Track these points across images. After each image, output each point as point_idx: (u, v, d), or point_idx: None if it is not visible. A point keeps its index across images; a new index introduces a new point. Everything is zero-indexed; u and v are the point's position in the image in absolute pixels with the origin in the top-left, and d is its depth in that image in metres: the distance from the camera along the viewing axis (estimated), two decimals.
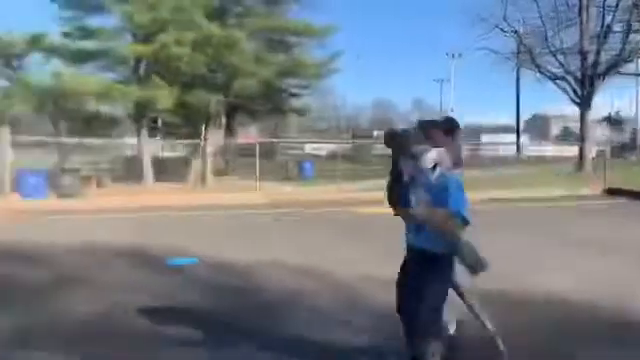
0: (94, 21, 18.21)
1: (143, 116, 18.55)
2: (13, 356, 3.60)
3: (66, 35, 18.19)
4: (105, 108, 19.50)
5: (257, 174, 16.94)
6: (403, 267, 3.13)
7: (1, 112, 17.68)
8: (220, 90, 19.40)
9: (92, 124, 18.98)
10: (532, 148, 37.85)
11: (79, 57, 17.60)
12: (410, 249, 3.07)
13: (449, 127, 3.12)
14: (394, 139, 2.97)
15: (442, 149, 2.92)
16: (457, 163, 3.06)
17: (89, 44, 17.61)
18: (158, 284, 5.60)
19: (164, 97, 16.84)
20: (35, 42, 17.59)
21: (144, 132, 18.62)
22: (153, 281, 5.73)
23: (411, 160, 2.89)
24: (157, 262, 6.53)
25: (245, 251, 7.11)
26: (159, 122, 22.81)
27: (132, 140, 20.19)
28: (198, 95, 18.12)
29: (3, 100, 18.03)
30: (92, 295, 5.12)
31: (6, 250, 7.27)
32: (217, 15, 18.77)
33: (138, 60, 17.89)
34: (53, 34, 17.78)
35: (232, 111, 23.44)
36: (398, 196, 2.99)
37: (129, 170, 18.79)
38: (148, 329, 4.13)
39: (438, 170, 2.89)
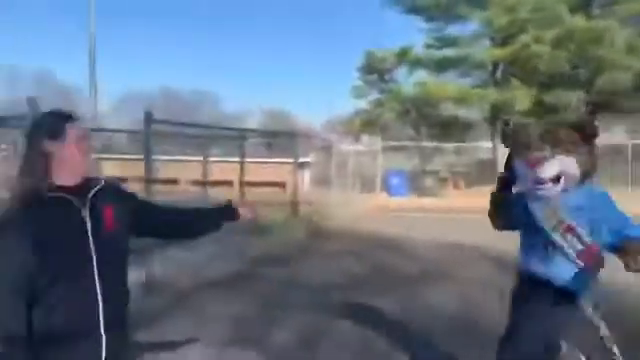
0: (453, 30, 19.18)
1: (498, 119, 18.55)
2: (382, 339, 4.05)
3: (428, 46, 19.68)
4: (461, 113, 20.31)
5: (629, 179, 14.93)
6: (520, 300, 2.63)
7: (374, 120, 20.35)
8: (582, 87, 17.84)
9: (449, 128, 20.02)
10: None
11: (440, 66, 18.79)
12: (534, 279, 2.49)
13: (587, 131, 2.38)
14: (511, 137, 2.51)
15: (571, 158, 2.32)
16: (587, 175, 2.41)
17: (449, 52, 18.60)
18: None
19: (522, 98, 16.49)
20: (402, 55, 19.62)
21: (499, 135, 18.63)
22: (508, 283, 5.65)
23: (527, 168, 2.37)
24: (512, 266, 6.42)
25: None
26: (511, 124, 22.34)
27: (486, 144, 20.44)
28: (557, 94, 17.09)
29: (375, 109, 20.71)
30: (453, 290, 5.37)
31: (380, 241, 8.31)
32: (580, 7, 17.31)
33: (495, 63, 17.99)
34: (417, 47, 19.52)
35: (594, 109, 21.24)
36: (507, 206, 2.57)
37: (482, 173, 19.07)
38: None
39: (562, 183, 2.32)
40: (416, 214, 12.04)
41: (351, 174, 14.19)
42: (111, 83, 76.84)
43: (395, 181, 16.12)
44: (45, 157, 1.61)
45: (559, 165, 2.32)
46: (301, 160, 12.96)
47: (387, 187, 16.24)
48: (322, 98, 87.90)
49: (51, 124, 1.65)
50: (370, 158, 16.95)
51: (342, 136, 18.85)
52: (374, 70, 21.31)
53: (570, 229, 2.35)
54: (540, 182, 2.34)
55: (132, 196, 1.91)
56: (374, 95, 21.77)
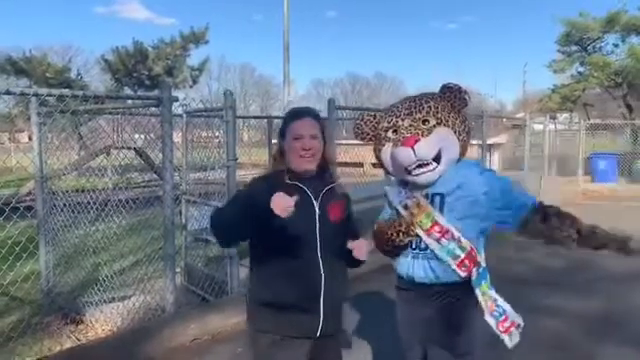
0: None
1: None
2: (588, 346, 3.61)
3: None
4: None
5: None
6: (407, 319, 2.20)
7: (575, 97, 18.41)
8: None
9: None
10: None
11: None
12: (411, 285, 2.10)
13: (455, 97, 1.95)
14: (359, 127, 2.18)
15: (446, 131, 1.92)
16: (464, 151, 2.02)
17: None
18: None
19: None
20: (610, 22, 17.36)
21: None
22: None
23: (402, 152, 1.92)
24: None
25: None
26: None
27: None
28: None
29: (577, 84, 18.70)
30: None
31: None
32: None
33: None
34: (630, 10, 17.07)
35: None
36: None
37: None
38: None
39: (443, 164, 1.92)
40: (627, 203, 10.57)
41: (547, 157, 12.99)
42: (303, 71, 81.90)
43: (602, 165, 14.30)
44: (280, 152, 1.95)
45: (436, 140, 1.93)
46: (490, 142, 12.23)
47: (591, 171, 14.51)
48: (515, 75, 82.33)
49: (282, 124, 1.97)
50: (570, 138, 15.31)
51: (536, 115, 17.36)
52: (575, 41, 19.11)
53: (445, 231, 1.95)
54: (421, 164, 1.92)
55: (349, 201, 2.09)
56: (576, 69, 19.58)
